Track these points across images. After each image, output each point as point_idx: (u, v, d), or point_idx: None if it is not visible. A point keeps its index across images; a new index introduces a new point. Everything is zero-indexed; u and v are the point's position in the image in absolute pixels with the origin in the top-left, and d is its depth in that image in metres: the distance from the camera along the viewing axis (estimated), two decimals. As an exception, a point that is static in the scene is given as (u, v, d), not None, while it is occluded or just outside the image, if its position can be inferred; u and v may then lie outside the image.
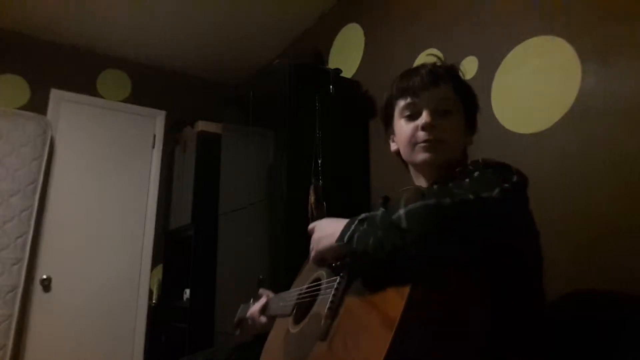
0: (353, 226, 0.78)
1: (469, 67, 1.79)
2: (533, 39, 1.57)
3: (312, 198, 1.94)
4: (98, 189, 3.06)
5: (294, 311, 1.00)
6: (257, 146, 2.39)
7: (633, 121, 1.27)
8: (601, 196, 1.31)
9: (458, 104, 0.99)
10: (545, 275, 0.85)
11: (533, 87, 1.55)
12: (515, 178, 0.78)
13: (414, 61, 2.04)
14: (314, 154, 2.05)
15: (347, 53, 2.54)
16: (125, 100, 3.29)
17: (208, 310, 2.47)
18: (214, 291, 2.45)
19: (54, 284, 2.79)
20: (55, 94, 3.02)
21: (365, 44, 2.43)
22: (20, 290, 2.58)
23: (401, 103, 1.00)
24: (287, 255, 1.94)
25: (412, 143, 0.97)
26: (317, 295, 0.90)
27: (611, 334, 0.88)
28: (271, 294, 1.25)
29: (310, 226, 0.97)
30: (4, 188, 2.64)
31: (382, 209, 0.72)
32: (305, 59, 2.55)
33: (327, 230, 0.87)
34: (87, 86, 3.17)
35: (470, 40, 1.82)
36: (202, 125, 3.04)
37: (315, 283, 0.95)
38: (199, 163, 2.96)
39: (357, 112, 2.31)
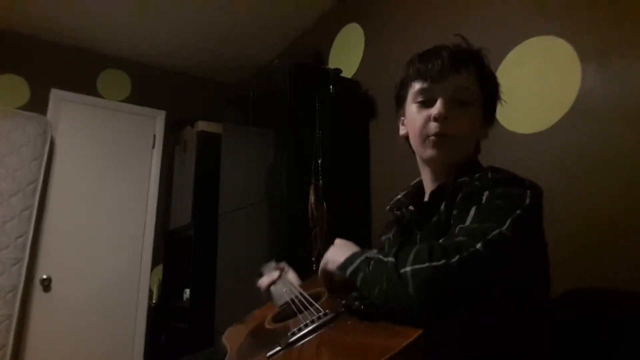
0: (358, 262, 0.75)
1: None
2: (533, 39, 1.57)
3: (312, 198, 1.94)
4: (98, 189, 3.06)
5: (282, 306, 0.99)
6: (257, 146, 2.39)
7: (633, 121, 1.26)
8: (601, 196, 1.31)
9: (478, 93, 0.91)
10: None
11: (533, 87, 1.55)
12: (527, 200, 0.74)
13: (414, 61, 2.04)
14: (314, 154, 2.05)
15: (347, 53, 2.54)
16: (125, 100, 3.29)
17: (208, 310, 2.46)
18: (214, 291, 2.45)
19: (54, 284, 2.79)
20: (55, 94, 3.02)
21: (365, 44, 2.43)
22: (20, 290, 2.58)
23: (416, 86, 0.92)
24: (287, 256, 1.93)
25: (423, 135, 0.90)
26: (303, 309, 0.86)
27: (611, 334, 0.88)
28: (289, 272, 1.25)
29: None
30: (4, 188, 2.64)
31: (392, 259, 0.69)
32: (305, 59, 2.55)
33: (337, 256, 0.84)
34: (87, 86, 3.17)
35: (470, 40, 1.81)
36: (202, 125, 3.04)
37: (312, 298, 0.91)
38: (199, 163, 2.96)
39: (357, 112, 2.31)
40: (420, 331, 0.58)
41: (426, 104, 0.91)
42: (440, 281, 0.63)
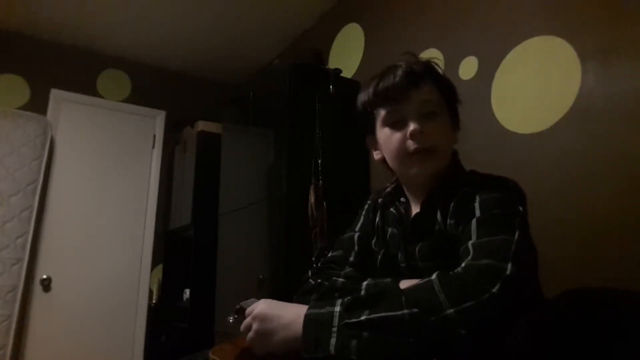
0: (335, 330, 0.67)
1: (469, 67, 1.79)
2: (533, 39, 1.57)
3: (312, 198, 1.94)
4: (98, 189, 3.06)
5: None
6: (257, 146, 2.39)
7: (633, 121, 1.26)
8: (601, 196, 1.31)
9: (442, 102, 0.93)
10: (544, 273, 0.85)
11: (533, 87, 1.55)
12: (519, 204, 0.79)
13: (414, 61, 2.04)
14: (314, 154, 2.05)
15: (347, 53, 2.54)
16: (125, 100, 3.29)
17: (208, 310, 2.46)
18: (214, 291, 2.45)
19: (54, 284, 2.79)
20: (55, 94, 3.02)
21: (365, 44, 2.43)
22: (20, 290, 2.57)
23: (382, 111, 0.93)
24: (287, 255, 1.94)
25: (402, 154, 0.91)
26: None
27: (611, 333, 0.88)
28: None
29: (249, 309, 0.84)
30: (4, 188, 2.64)
31: (415, 310, 0.65)
32: (305, 59, 2.55)
33: (281, 320, 0.75)
34: (87, 86, 3.17)
35: (470, 40, 1.82)
36: (202, 125, 3.03)
37: None
38: (199, 163, 2.96)
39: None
40: None
41: (397, 124, 0.91)
42: (495, 311, 0.64)
